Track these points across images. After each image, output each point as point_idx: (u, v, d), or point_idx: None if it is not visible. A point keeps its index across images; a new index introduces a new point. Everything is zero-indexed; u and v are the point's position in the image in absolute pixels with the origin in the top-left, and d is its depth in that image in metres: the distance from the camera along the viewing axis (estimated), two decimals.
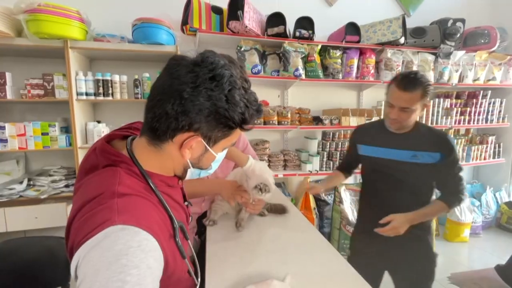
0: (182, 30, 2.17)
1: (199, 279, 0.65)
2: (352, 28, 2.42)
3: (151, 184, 0.55)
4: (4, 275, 1.26)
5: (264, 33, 2.24)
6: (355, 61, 2.52)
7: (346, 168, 1.54)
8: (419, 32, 2.63)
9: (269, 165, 2.47)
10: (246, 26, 2.02)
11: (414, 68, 2.64)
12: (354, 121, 2.51)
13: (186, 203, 0.69)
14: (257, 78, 2.27)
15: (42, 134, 1.88)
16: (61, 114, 2.03)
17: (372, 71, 2.57)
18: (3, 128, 1.79)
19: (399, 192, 1.24)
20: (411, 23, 2.70)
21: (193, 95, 0.49)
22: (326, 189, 1.53)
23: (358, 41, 2.44)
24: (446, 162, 1.14)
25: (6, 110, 2.00)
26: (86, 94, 1.91)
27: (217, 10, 2.17)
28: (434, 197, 1.26)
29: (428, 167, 1.17)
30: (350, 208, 2.50)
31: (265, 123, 2.37)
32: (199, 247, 1.07)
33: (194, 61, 0.51)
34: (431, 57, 2.67)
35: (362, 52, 2.55)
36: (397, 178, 1.23)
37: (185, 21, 2.08)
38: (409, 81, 1.11)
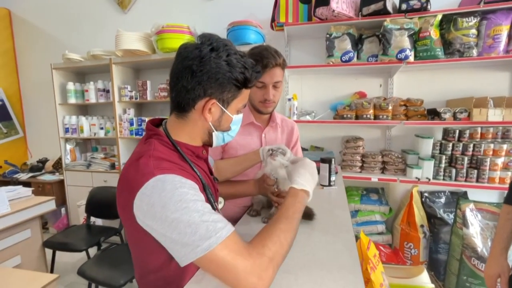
0: (272, 27, 2.22)
1: None
2: None
3: (180, 151, 0.65)
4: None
5: (358, 13, 1.95)
6: (505, 29, 1.75)
7: None
8: None
9: (361, 166, 2.15)
10: (334, 10, 1.83)
11: None
12: (495, 115, 1.77)
13: (214, 178, 0.78)
14: (347, 66, 2.01)
15: None
16: None
17: None
18: (144, 121, 2.49)
19: None
20: None
21: (201, 66, 0.60)
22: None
23: None
24: None
25: (147, 108, 2.78)
26: None
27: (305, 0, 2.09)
28: None
29: None
30: (480, 235, 1.80)
31: (357, 117, 2.07)
32: None
33: (196, 42, 0.63)
34: None
35: None
36: None
37: (273, 17, 2.13)
38: None
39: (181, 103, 0.64)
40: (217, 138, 0.70)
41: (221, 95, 0.63)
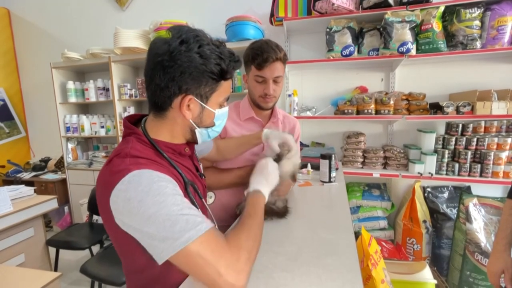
0: (271, 22, 2.20)
1: None
2: None
3: (158, 149, 0.63)
4: None
5: (359, 7, 1.91)
6: (509, 20, 1.71)
7: None
8: None
9: (363, 161, 2.13)
10: (333, 4, 1.80)
11: None
12: (500, 108, 1.74)
13: (199, 174, 0.77)
14: (348, 60, 1.98)
15: None
16: None
17: None
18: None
19: None
20: None
21: (172, 62, 0.57)
22: None
23: None
24: None
25: (147, 106, 2.74)
26: None
27: None
28: None
29: None
30: (483, 230, 1.78)
31: (358, 112, 2.05)
32: None
33: (165, 37, 0.59)
34: None
35: None
36: None
37: (272, 12, 2.10)
38: None
39: (158, 102, 0.61)
40: (201, 135, 0.68)
41: (197, 90, 0.60)
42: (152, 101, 0.62)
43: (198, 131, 0.66)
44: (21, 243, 1.81)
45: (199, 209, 0.65)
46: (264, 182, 0.76)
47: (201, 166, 0.81)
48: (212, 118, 0.67)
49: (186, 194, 0.63)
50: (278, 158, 0.89)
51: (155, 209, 0.50)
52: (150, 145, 0.63)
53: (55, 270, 2.08)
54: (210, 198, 0.78)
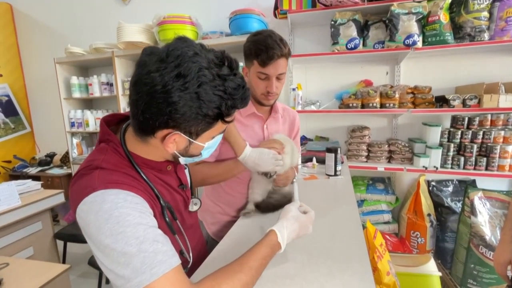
0: (275, 15, 2.17)
1: (191, 258, 0.68)
2: None
3: (135, 166, 0.58)
4: None
5: None
6: None
7: None
8: None
9: (367, 155, 2.13)
10: None
11: None
12: (507, 101, 1.72)
13: (181, 186, 0.71)
14: (353, 54, 1.96)
15: None
16: None
17: None
18: None
19: None
20: None
21: (162, 94, 0.48)
22: None
23: None
24: None
25: None
26: None
27: None
28: None
29: None
30: (488, 224, 1.78)
31: (363, 106, 2.04)
32: None
33: (160, 57, 0.49)
34: None
35: None
36: None
37: (276, 5, 2.08)
38: None
39: (139, 127, 0.54)
40: (185, 161, 0.63)
41: (188, 128, 0.53)
42: (133, 121, 0.55)
43: (182, 159, 0.61)
44: (29, 236, 1.84)
45: (176, 234, 0.63)
46: (291, 238, 0.64)
47: (187, 172, 0.77)
48: (200, 150, 0.60)
49: (162, 218, 0.60)
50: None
51: (111, 241, 0.46)
52: (127, 159, 0.58)
53: (63, 262, 2.11)
54: (195, 205, 0.76)
